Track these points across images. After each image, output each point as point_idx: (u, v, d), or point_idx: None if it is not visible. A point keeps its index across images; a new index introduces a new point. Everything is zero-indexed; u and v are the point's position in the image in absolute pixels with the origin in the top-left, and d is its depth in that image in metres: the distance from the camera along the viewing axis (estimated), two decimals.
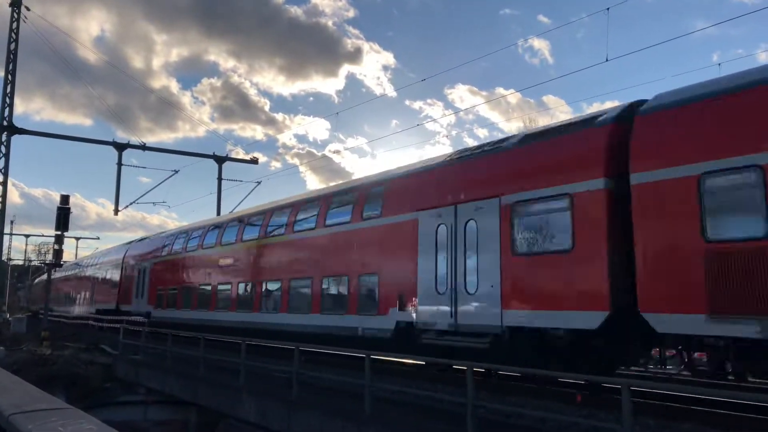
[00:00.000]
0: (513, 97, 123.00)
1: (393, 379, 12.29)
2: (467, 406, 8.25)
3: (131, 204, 34.47)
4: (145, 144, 30.77)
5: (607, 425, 7.42)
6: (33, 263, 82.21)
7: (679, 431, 7.78)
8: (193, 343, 19.00)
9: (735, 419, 8.27)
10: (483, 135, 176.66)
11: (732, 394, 8.96)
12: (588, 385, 10.43)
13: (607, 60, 14.16)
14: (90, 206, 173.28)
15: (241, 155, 34.68)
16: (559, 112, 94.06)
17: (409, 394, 10.30)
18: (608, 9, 13.71)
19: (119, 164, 29.73)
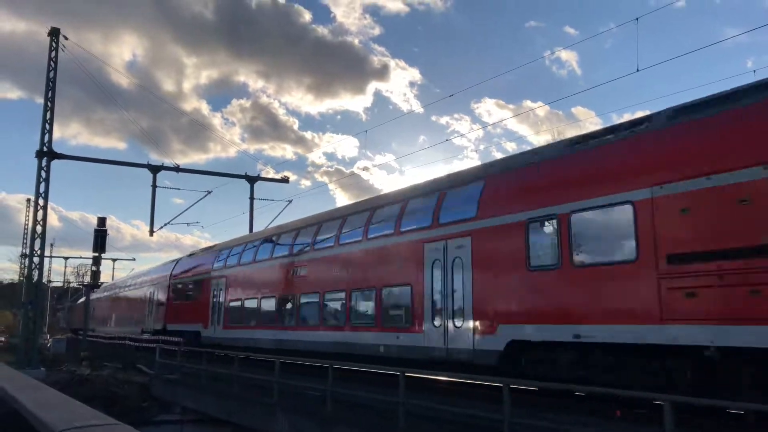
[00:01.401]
0: (541, 109, 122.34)
1: (427, 395, 12.24)
2: (504, 423, 8.20)
3: (166, 225, 35.15)
4: (178, 166, 31.37)
5: None
6: (72, 285, 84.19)
7: None
8: (227, 361, 19.19)
9: None
10: (511, 148, 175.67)
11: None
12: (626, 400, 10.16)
13: (638, 70, 14.02)
14: (125, 228, 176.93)
15: (272, 174, 35.10)
16: (588, 123, 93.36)
17: (443, 411, 10.24)
18: (637, 19, 13.63)
19: (154, 186, 30.34)
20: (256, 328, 20.42)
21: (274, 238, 21.07)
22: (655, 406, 7.96)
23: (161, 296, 30.82)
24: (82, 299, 52.43)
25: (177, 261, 31.83)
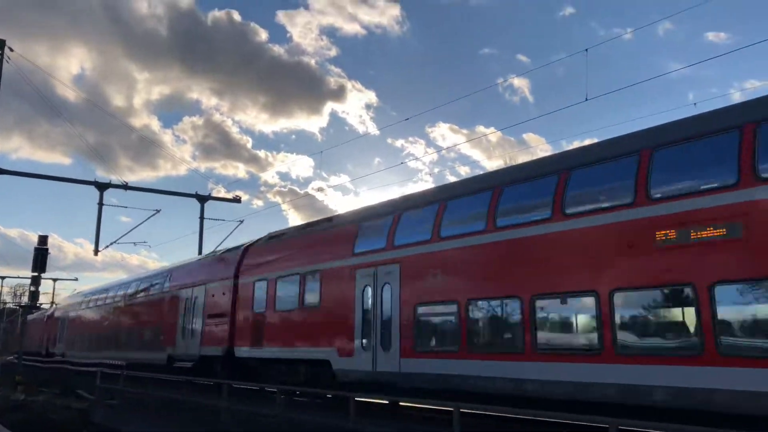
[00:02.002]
0: (494, 135, 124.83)
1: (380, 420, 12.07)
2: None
3: (112, 244, 33.99)
4: (127, 183, 30.50)
5: None
6: (8, 305, 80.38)
7: None
8: (174, 386, 18.59)
9: None
10: (465, 172, 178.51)
11: None
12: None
13: (587, 99, 14.29)
14: (68, 246, 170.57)
15: (223, 193, 34.55)
16: (539, 150, 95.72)
17: None
18: (587, 50, 14.06)
19: (100, 204, 29.36)
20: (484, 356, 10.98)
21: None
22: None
23: (216, 304, 19.69)
24: (37, 316, 46.34)
25: (249, 246, 19.91)
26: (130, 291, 29.16)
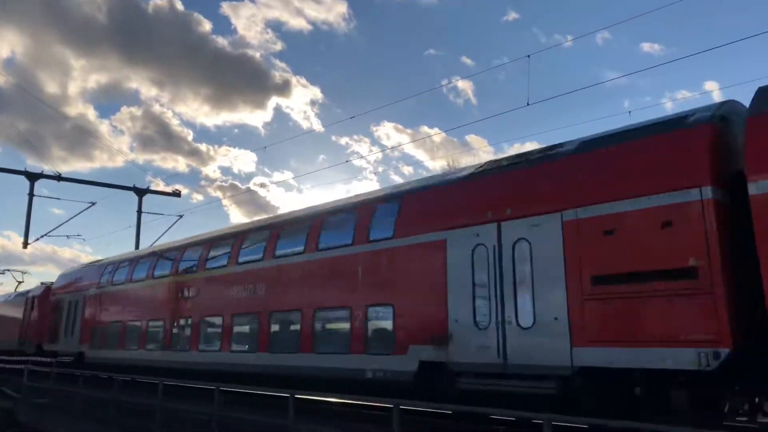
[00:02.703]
0: (438, 136, 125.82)
1: (320, 419, 12.06)
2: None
3: (42, 237, 32.53)
4: (60, 174, 29.37)
5: None
6: None
7: None
8: (104, 384, 18.02)
9: None
10: (408, 172, 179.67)
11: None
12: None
13: (528, 104, 14.89)
14: None
15: (162, 187, 33.68)
16: (482, 152, 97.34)
17: None
18: (529, 56, 14.51)
19: (31, 195, 28.19)
20: None
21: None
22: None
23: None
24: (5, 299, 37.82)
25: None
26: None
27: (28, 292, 31.95)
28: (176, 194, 33.57)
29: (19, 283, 42.95)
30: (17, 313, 31.46)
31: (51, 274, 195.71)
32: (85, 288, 25.06)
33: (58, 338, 26.03)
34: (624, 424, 7.11)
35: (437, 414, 10.98)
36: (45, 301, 28.34)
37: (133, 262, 22.72)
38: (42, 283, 30.88)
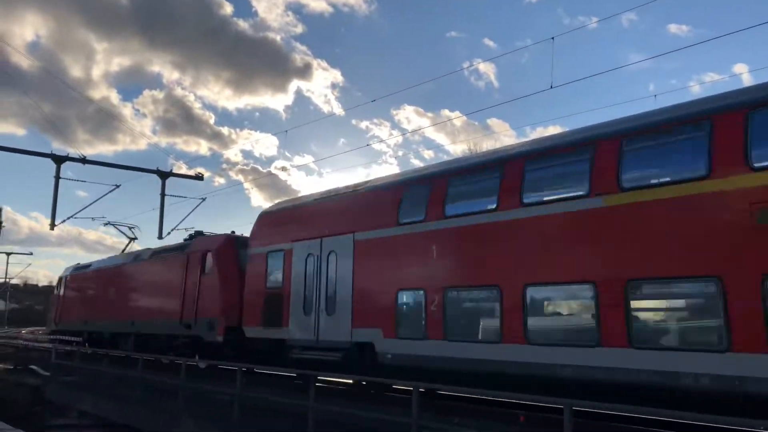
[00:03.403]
0: (458, 119, 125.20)
1: (336, 400, 12.20)
2: (411, 426, 8.29)
3: (69, 218, 32.94)
4: (85, 157, 29.64)
5: None
6: None
7: None
8: (129, 363, 18.38)
9: None
10: (429, 156, 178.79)
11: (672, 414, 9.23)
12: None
13: (552, 87, 14.34)
14: (22, 220, 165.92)
15: (184, 170, 33.87)
16: (503, 136, 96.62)
17: (350, 415, 10.23)
18: (553, 38, 14.16)
19: (57, 177, 28.48)
20: None
21: None
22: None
23: None
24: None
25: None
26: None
27: (186, 245, 20.91)
28: (199, 177, 33.68)
29: (131, 240, 29.60)
30: (169, 276, 20.40)
31: (78, 257, 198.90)
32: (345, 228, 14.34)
33: (281, 318, 15.40)
34: (638, 409, 7.30)
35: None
36: (228, 257, 18.19)
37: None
38: (198, 235, 21.61)
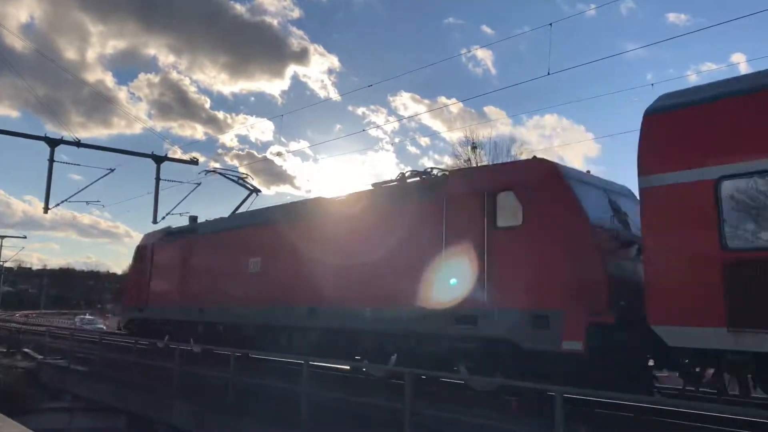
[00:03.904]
0: (455, 106, 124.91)
1: (330, 385, 12.25)
2: (405, 412, 8.33)
3: (63, 202, 32.79)
4: (79, 140, 29.41)
5: None
6: None
7: None
8: (123, 348, 18.41)
9: (669, 427, 8.64)
10: (425, 144, 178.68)
11: (658, 400, 9.33)
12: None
13: (549, 73, 14.35)
14: (16, 203, 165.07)
15: (180, 154, 33.78)
16: (500, 124, 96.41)
17: (344, 401, 10.28)
18: (551, 24, 14.00)
19: (51, 160, 28.29)
20: None
21: None
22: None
23: None
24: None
25: None
26: None
27: (437, 181, 12.56)
28: (194, 162, 33.50)
29: (252, 192, 21.42)
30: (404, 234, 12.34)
31: (71, 241, 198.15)
32: None
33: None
34: (635, 398, 7.29)
35: None
36: (558, 195, 10.33)
37: None
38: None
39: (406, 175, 13.61)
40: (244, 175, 21.75)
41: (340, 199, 14.89)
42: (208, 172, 22.07)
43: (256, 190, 21.40)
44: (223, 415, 11.40)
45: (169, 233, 21.88)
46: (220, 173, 21.69)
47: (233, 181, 21.54)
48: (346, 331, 13.27)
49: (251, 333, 16.32)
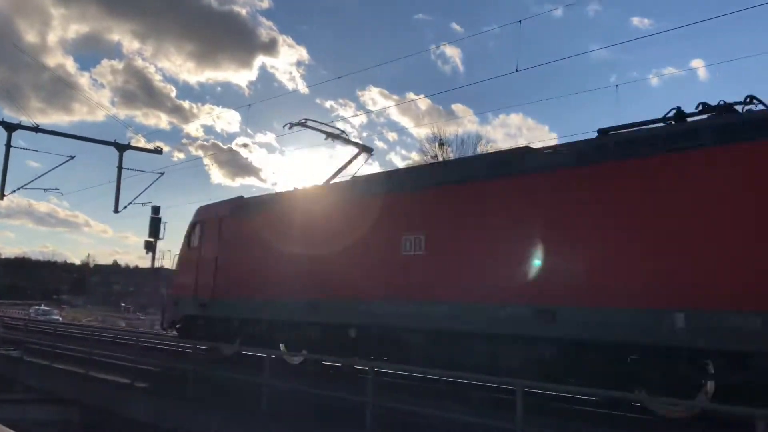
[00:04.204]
0: (423, 103, 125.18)
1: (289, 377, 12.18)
2: (367, 405, 8.34)
3: (19, 189, 31.86)
4: (38, 126, 28.69)
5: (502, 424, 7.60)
6: None
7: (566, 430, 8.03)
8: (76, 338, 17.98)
9: (628, 420, 8.61)
10: (393, 139, 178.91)
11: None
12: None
13: (517, 70, 14.10)
14: None
15: (143, 143, 33.14)
16: (467, 121, 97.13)
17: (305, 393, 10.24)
18: (520, 21, 14.03)
19: (8, 146, 27.52)
20: None
21: None
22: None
23: None
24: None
25: None
26: None
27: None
28: (158, 151, 33.02)
29: (363, 152, 16.80)
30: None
31: (27, 229, 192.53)
32: None
33: None
34: (604, 393, 7.67)
35: None
36: None
37: None
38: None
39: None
40: (340, 132, 16.90)
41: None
42: (294, 125, 16.38)
43: (367, 148, 16.72)
44: (182, 406, 11.25)
45: (246, 204, 16.72)
46: (311, 127, 16.52)
47: (329, 135, 16.56)
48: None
49: (413, 341, 11.27)
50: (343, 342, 12.49)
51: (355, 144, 16.96)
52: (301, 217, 14.28)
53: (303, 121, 16.30)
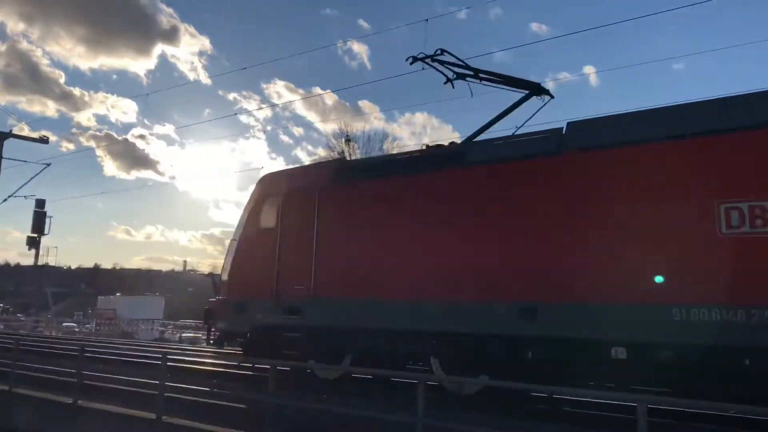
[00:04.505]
0: (330, 98, 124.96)
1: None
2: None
3: None
4: None
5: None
6: None
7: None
8: None
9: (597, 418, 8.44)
10: (299, 133, 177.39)
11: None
12: None
13: (423, 68, 12.57)
14: None
15: (27, 132, 30.98)
16: (373, 118, 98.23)
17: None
18: (427, 20, 14.37)
19: None
20: None
21: None
22: None
23: None
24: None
25: None
26: None
27: None
28: (43, 140, 31.11)
29: (533, 94, 11.73)
30: None
31: None
32: None
33: None
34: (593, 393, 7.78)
35: None
36: None
37: None
38: None
39: None
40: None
41: None
42: (416, 59, 11.84)
43: (542, 89, 11.72)
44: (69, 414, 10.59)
45: (359, 168, 12.44)
46: (443, 61, 11.95)
47: (464, 77, 12.02)
48: None
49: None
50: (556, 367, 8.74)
51: (525, 83, 11.87)
52: (453, 186, 10.07)
53: (439, 52, 11.88)
